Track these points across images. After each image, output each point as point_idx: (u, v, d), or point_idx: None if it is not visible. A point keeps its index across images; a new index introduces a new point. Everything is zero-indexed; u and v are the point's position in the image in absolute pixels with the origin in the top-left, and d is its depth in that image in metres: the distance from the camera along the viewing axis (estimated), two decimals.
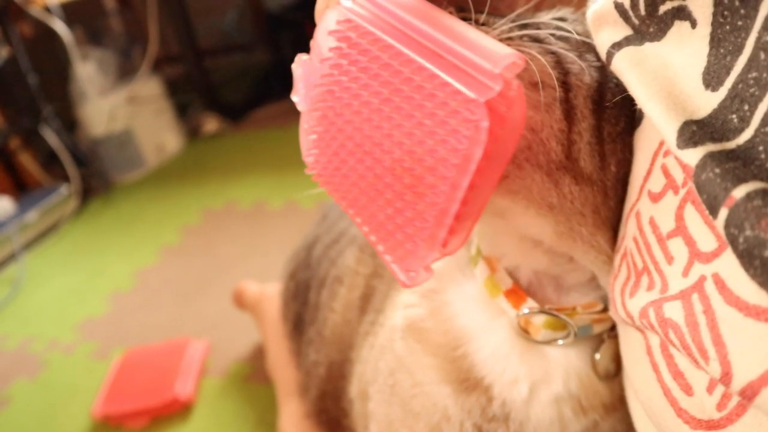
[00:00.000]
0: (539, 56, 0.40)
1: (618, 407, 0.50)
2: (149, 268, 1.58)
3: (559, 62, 0.41)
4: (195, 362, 1.14)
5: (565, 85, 0.41)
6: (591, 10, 0.38)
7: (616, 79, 0.41)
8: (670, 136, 0.31)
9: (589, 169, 0.41)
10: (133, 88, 2.18)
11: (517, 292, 0.49)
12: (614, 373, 0.49)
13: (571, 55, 0.41)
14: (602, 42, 0.38)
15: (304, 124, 0.46)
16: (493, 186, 0.34)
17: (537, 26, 0.44)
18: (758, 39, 0.28)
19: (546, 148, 0.40)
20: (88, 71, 2.09)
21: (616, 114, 0.42)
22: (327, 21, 0.42)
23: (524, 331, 0.48)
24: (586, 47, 0.43)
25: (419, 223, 0.36)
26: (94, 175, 2.10)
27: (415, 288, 0.55)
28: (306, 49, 0.48)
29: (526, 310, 0.48)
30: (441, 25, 0.35)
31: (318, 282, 0.79)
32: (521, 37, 0.42)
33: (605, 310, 0.48)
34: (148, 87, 2.25)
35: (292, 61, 0.49)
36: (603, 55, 0.37)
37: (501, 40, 0.40)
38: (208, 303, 1.37)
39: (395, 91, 0.36)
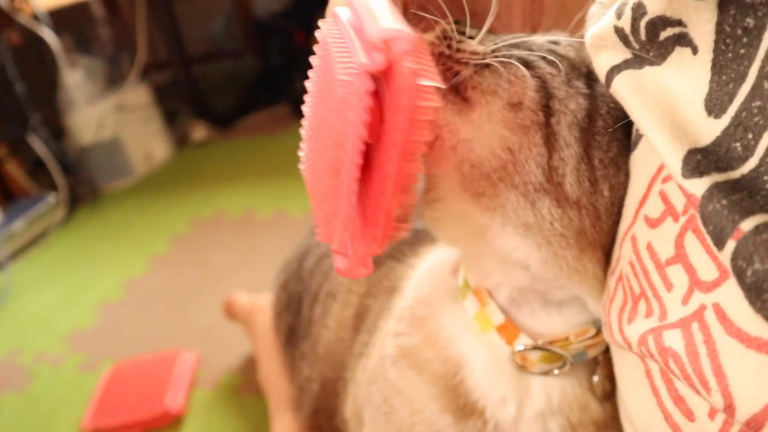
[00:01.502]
0: (517, 78, 0.41)
1: (611, 425, 0.50)
2: (138, 278, 1.57)
3: (544, 86, 0.41)
4: (185, 374, 1.14)
5: (547, 110, 0.41)
6: (590, 33, 0.38)
7: (607, 106, 0.41)
8: (675, 165, 0.31)
9: (576, 194, 0.41)
10: (121, 96, 2.17)
11: (509, 327, 0.48)
12: (611, 392, 0.49)
13: (557, 81, 0.42)
14: (601, 64, 0.38)
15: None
16: (397, 171, 0.35)
17: (529, 48, 0.44)
18: (761, 68, 0.28)
19: (524, 169, 0.41)
20: (76, 79, 2.08)
21: (607, 140, 0.42)
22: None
23: (521, 367, 0.48)
24: (576, 74, 0.43)
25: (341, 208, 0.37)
26: (82, 184, 2.08)
27: (403, 315, 0.56)
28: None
29: (521, 347, 0.48)
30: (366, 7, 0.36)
31: (311, 296, 0.79)
32: (509, 57, 0.42)
33: (598, 333, 0.48)
34: (137, 95, 2.24)
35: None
36: (602, 78, 0.38)
37: (489, 58, 0.42)
38: (198, 313, 1.37)
39: (325, 77, 0.39)
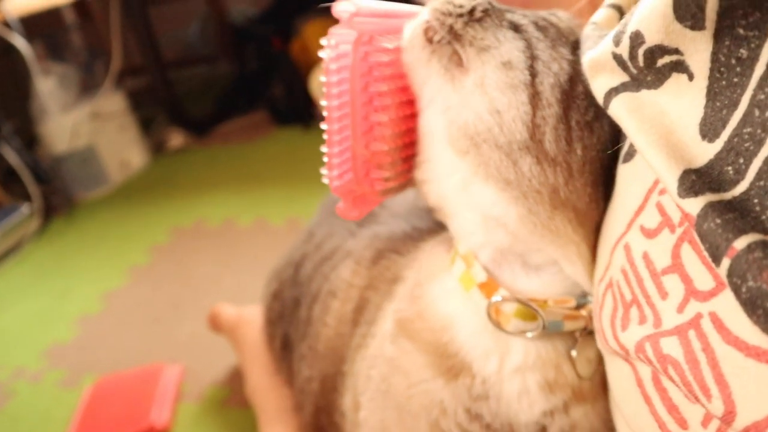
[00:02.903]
0: (506, 38, 0.46)
1: (589, 399, 0.52)
2: (118, 290, 1.55)
3: (529, 47, 0.45)
4: (170, 388, 1.12)
5: (532, 69, 0.45)
6: (587, 57, 0.39)
7: None
8: (672, 184, 0.32)
9: (554, 151, 0.45)
10: (95, 103, 2.13)
11: (491, 283, 0.51)
12: (591, 373, 0.52)
13: (542, 44, 0.46)
14: (599, 86, 0.39)
15: None
16: (361, 119, 0.49)
17: (523, 14, 0.49)
18: (753, 96, 0.30)
19: (510, 129, 0.44)
20: (48, 86, 2.04)
21: (585, 105, 0.45)
22: None
23: (496, 324, 0.50)
24: (563, 41, 0.47)
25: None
26: (57, 193, 2.04)
27: (403, 295, 0.60)
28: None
29: (498, 298, 0.50)
30: None
31: (310, 298, 0.79)
32: (500, 19, 0.47)
33: (579, 307, 0.50)
34: (112, 102, 2.20)
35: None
36: (600, 99, 0.39)
37: (478, 14, 0.47)
38: (180, 325, 1.35)
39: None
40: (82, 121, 2.08)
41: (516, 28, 0.47)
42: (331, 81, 0.49)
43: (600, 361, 0.51)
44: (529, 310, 0.49)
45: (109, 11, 2.19)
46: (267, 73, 2.43)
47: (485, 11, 0.48)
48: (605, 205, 0.47)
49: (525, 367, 0.51)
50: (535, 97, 0.44)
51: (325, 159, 0.51)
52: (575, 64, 0.46)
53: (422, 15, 0.49)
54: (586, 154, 0.46)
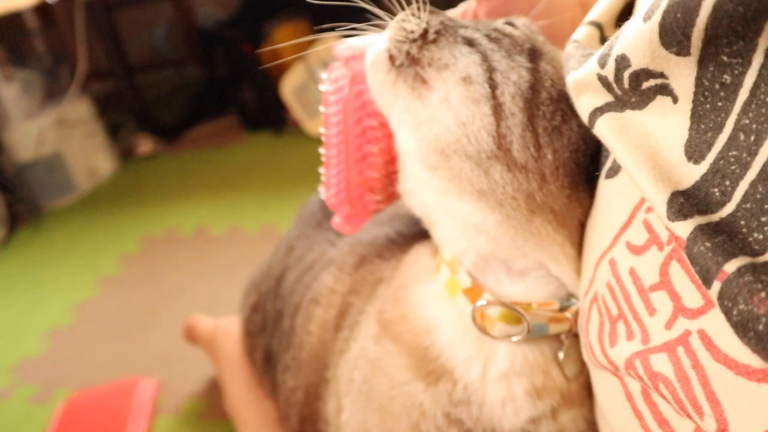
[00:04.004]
0: (462, 54, 0.47)
1: (577, 403, 0.52)
2: (88, 302, 1.51)
3: (485, 60, 0.46)
4: (146, 402, 1.10)
5: (491, 82, 0.46)
6: (572, 77, 0.40)
7: (550, 80, 0.46)
8: (661, 207, 0.32)
9: (523, 159, 0.45)
10: (61, 109, 2.08)
11: (475, 288, 0.51)
12: (578, 374, 0.52)
13: (498, 55, 0.47)
14: (583, 105, 0.39)
15: None
16: (354, 149, 0.54)
17: (476, 29, 0.50)
18: (737, 121, 0.30)
19: (477, 139, 0.45)
20: (12, 93, 1.99)
21: (551, 110, 0.46)
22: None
23: (482, 328, 0.51)
24: (518, 49, 0.48)
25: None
26: (22, 203, 1.98)
27: (386, 296, 0.60)
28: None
29: (483, 302, 0.50)
30: None
31: (292, 308, 0.78)
32: (454, 36, 0.49)
33: (563, 309, 0.50)
34: (78, 108, 2.16)
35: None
36: (584, 119, 0.39)
37: (431, 36, 0.49)
38: (154, 337, 1.33)
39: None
40: (48, 128, 2.04)
41: (470, 42, 0.48)
42: (329, 111, 0.54)
43: (584, 362, 0.51)
44: (513, 314, 0.50)
45: (73, 15, 2.14)
46: (237, 78, 2.41)
47: (437, 32, 0.49)
48: (590, 201, 0.48)
49: (511, 372, 0.51)
50: (497, 108, 0.45)
51: (323, 179, 0.56)
52: (535, 72, 0.47)
53: (382, 42, 0.51)
54: (557, 158, 0.46)
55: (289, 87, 2.14)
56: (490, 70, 0.46)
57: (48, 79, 2.16)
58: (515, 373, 0.51)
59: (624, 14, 0.49)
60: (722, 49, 0.30)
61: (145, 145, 2.35)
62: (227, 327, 1.05)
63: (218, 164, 2.18)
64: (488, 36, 0.49)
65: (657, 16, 0.32)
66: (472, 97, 0.46)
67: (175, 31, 2.88)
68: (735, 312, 0.27)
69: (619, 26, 0.49)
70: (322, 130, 0.55)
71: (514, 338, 0.50)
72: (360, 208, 0.56)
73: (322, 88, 0.54)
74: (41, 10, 2.31)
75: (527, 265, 0.50)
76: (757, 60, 0.29)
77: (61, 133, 2.08)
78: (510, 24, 0.52)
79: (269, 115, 2.31)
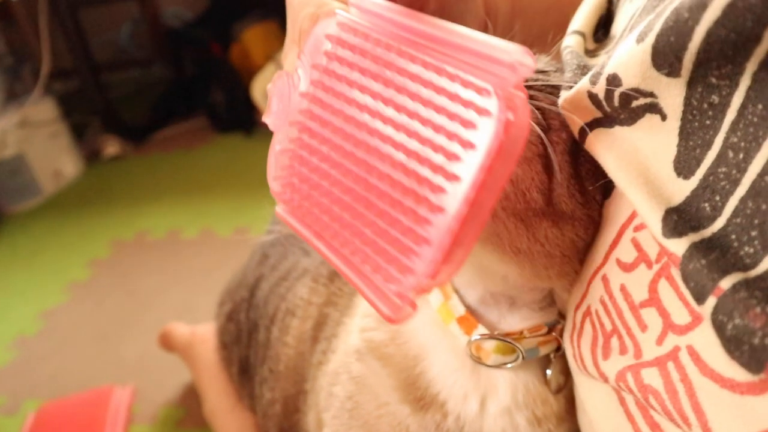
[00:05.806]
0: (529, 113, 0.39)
1: (566, 418, 0.53)
2: (57, 308, 1.48)
3: (544, 118, 0.42)
4: (121, 411, 1.08)
5: (545, 141, 0.41)
6: (563, 98, 0.40)
7: None
8: (655, 225, 0.33)
9: (570, 208, 0.42)
10: (24, 110, 2.02)
11: (469, 319, 0.50)
12: (564, 385, 0.52)
13: (554, 110, 0.42)
14: (574, 122, 0.40)
15: (277, 144, 0.43)
16: (490, 207, 0.31)
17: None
18: (726, 139, 0.31)
19: (526, 198, 0.41)
20: None
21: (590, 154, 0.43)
22: (320, 30, 0.40)
23: (476, 358, 0.50)
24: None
25: (412, 240, 0.32)
26: None
27: (370, 312, 0.57)
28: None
29: (477, 336, 0.50)
30: (438, 26, 0.34)
31: (268, 320, 0.78)
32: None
33: (550, 331, 0.51)
34: (41, 109, 2.10)
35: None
36: (576, 135, 0.40)
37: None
38: (127, 344, 1.31)
39: (399, 89, 0.34)
40: (10, 129, 1.98)
41: (530, 97, 0.42)
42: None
43: (568, 373, 0.52)
44: (507, 345, 0.49)
45: (36, 13, 2.09)
46: (205, 79, 2.38)
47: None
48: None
49: (515, 406, 0.51)
50: (549, 166, 0.41)
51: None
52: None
53: None
54: (603, 198, 0.44)
55: (259, 88, 2.13)
56: (546, 130, 0.41)
57: (10, 79, 2.09)
58: (518, 406, 0.51)
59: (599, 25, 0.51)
60: (712, 72, 0.32)
61: (111, 147, 2.30)
62: (204, 333, 1.04)
63: (188, 166, 2.15)
64: (542, 89, 0.43)
65: (650, 39, 0.33)
66: (526, 157, 0.41)
67: (141, 30, 2.83)
68: (730, 326, 0.28)
69: (596, 37, 0.51)
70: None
71: (509, 365, 0.50)
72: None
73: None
74: (0, 7, 2.24)
75: (533, 298, 0.50)
76: (744, 83, 0.31)
77: (24, 135, 2.02)
78: (543, 71, 0.46)
79: (239, 117, 2.28)
